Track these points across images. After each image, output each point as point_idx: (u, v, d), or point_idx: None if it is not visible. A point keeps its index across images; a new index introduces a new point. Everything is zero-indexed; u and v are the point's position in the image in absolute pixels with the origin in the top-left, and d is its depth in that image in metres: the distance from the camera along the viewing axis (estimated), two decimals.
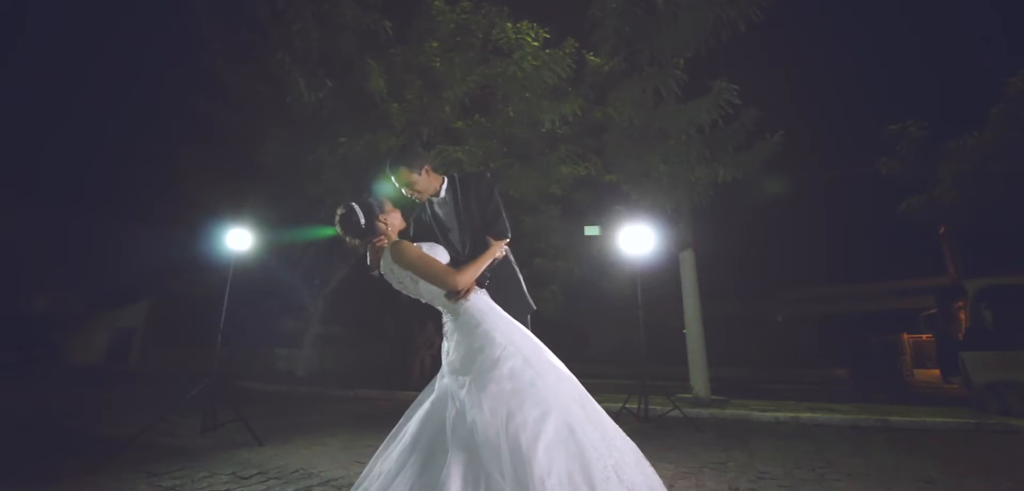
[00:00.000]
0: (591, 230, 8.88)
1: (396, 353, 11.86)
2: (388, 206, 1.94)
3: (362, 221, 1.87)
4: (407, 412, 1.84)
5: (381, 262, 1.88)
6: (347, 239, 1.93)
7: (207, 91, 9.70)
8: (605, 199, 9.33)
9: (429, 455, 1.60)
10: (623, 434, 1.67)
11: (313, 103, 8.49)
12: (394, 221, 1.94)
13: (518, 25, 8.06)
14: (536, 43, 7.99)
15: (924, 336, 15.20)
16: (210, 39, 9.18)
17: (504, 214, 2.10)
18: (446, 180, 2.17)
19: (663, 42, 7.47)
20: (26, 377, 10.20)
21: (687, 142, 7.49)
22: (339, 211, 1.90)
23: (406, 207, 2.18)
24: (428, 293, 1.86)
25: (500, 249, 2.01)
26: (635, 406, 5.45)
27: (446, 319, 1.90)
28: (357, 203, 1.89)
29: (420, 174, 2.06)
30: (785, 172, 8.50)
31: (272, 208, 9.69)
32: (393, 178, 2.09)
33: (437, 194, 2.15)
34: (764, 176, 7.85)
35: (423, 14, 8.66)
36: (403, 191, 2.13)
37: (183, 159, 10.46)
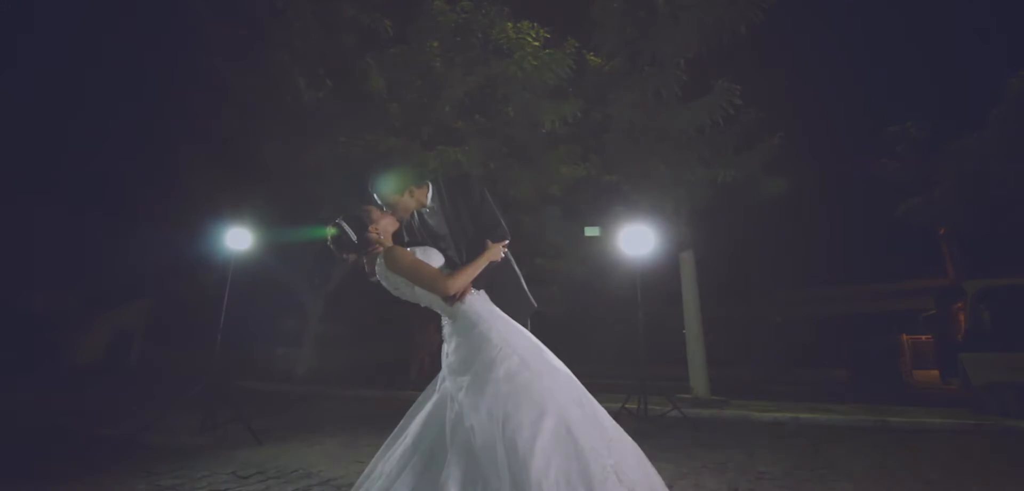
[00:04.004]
0: (591, 230, 8.88)
1: (396, 353, 11.86)
2: (377, 213, 1.93)
3: (353, 237, 1.87)
4: (409, 413, 1.84)
5: (376, 269, 1.88)
6: (343, 255, 1.93)
7: (207, 91, 9.70)
8: (605, 199, 9.34)
9: (430, 457, 1.61)
10: (624, 433, 1.67)
11: (313, 102, 8.50)
12: (386, 226, 1.94)
13: (518, 25, 8.07)
14: (536, 43, 7.99)
15: (923, 337, 15.20)
16: (210, 38, 9.18)
17: (501, 216, 2.06)
18: (431, 188, 2.12)
19: (664, 43, 7.48)
20: (26, 376, 10.20)
21: (687, 143, 7.50)
22: (329, 231, 1.90)
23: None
24: (425, 297, 1.86)
25: (498, 251, 1.99)
26: (635, 406, 5.45)
27: (444, 321, 1.90)
28: (346, 219, 1.89)
29: (403, 196, 2.02)
30: (785, 173, 8.51)
31: (272, 208, 9.68)
32: (376, 198, 2.07)
33: (424, 205, 2.12)
34: (764, 177, 7.86)
35: (423, 14, 8.67)
36: (384, 209, 2.11)
37: (183, 158, 10.45)
